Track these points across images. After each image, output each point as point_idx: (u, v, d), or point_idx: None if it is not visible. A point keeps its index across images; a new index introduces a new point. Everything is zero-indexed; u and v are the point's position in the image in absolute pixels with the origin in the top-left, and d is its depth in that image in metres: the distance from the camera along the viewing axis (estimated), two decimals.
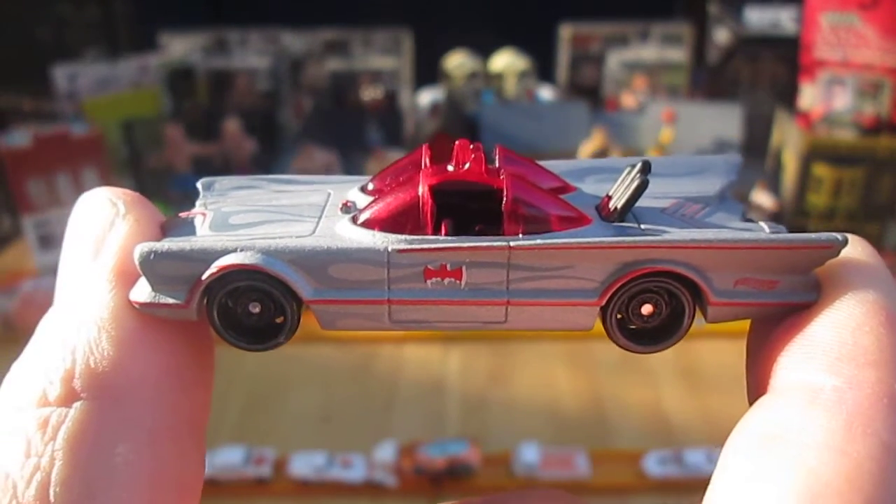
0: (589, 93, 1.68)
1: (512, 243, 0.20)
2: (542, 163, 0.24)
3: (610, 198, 0.22)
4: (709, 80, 1.68)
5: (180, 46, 1.66)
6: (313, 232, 0.21)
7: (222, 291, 0.21)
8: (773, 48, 1.58)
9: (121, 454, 0.18)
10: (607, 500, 0.79)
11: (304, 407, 0.94)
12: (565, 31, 1.70)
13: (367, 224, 0.21)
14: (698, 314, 0.21)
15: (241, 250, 0.20)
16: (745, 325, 0.85)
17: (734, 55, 1.62)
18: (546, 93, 1.69)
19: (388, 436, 0.86)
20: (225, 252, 0.20)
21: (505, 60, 1.65)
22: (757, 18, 1.59)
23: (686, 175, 0.24)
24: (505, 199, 0.20)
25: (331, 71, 1.67)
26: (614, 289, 0.20)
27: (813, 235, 0.19)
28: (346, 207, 0.23)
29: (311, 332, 0.93)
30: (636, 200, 0.21)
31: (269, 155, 1.49)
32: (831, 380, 0.15)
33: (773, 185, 1.32)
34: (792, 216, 1.28)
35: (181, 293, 0.20)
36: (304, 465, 0.81)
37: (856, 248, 0.18)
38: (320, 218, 0.22)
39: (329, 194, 0.24)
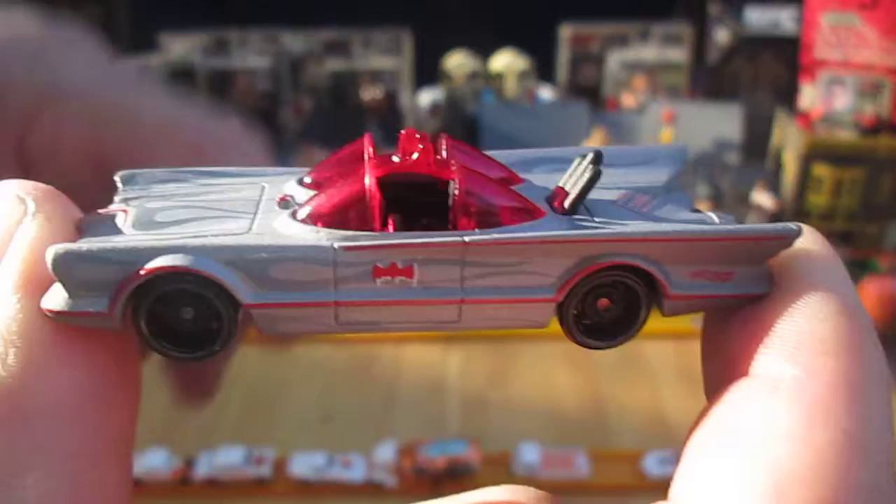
0: (589, 93, 1.68)
1: (467, 238, 0.19)
2: (489, 153, 0.24)
3: (562, 189, 0.21)
4: (709, 80, 1.68)
5: (180, 46, 1.66)
6: (250, 229, 0.20)
7: (151, 297, 0.19)
8: (773, 48, 1.58)
9: (32, 486, 0.16)
10: (607, 500, 0.79)
11: (304, 407, 0.94)
12: (565, 31, 1.70)
13: (310, 219, 0.19)
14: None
15: (172, 251, 0.18)
16: None
17: (734, 55, 1.62)
18: (546, 93, 1.69)
19: (388, 436, 0.86)
20: (153, 253, 0.18)
21: (505, 60, 1.65)
22: (757, 18, 1.59)
23: (634, 165, 0.23)
24: (457, 191, 0.19)
25: (331, 71, 1.67)
26: (572, 284, 0.19)
27: (769, 226, 0.19)
28: (284, 202, 0.21)
29: None
30: (589, 192, 0.20)
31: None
32: (790, 369, 0.15)
33: (773, 185, 1.32)
34: (792, 216, 1.28)
35: (102, 300, 0.18)
36: (304, 465, 0.81)
37: (808, 239, 0.18)
38: (256, 213, 0.21)
39: (263, 188, 0.22)
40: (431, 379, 0.97)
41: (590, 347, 0.20)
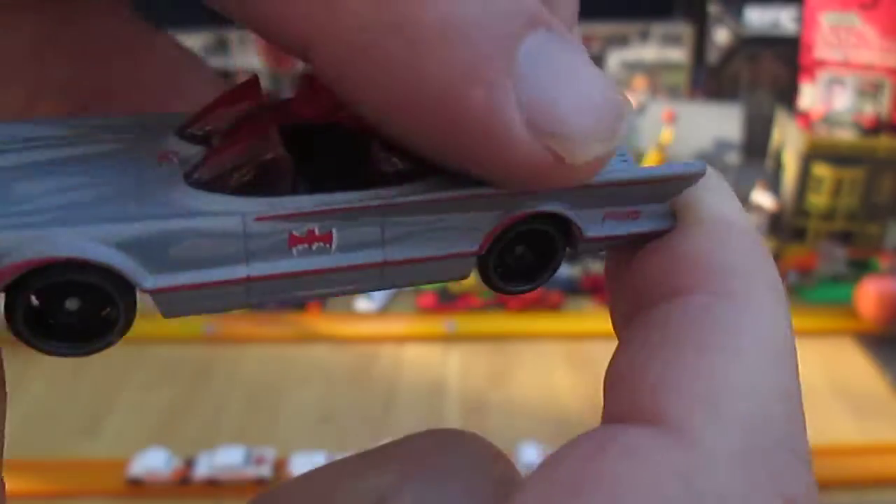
0: None
1: (398, 199, 0.17)
2: None
3: None
4: (709, 80, 1.68)
5: None
6: (138, 199, 0.16)
7: (27, 291, 0.15)
8: (773, 48, 1.58)
9: None
10: None
11: (304, 407, 0.94)
12: None
13: (210, 185, 0.16)
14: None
15: (49, 235, 0.15)
16: None
17: (734, 55, 1.62)
18: None
19: (388, 436, 0.85)
20: (22, 239, 0.14)
21: None
22: (757, 18, 1.59)
23: None
24: (374, 143, 0.17)
25: None
26: (494, 235, 0.18)
27: (678, 166, 0.18)
28: (166, 160, 0.17)
29: (312, 332, 0.94)
30: None
31: None
32: (701, 293, 0.15)
33: (774, 185, 1.32)
34: (792, 216, 1.28)
35: None
36: (305, 465, 0.81)
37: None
38: (138, 177, 0.17)
39: (136, 139, 0.18)
40: (431, 379, 0.97)
41: (510, 293, 0.19)
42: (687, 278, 0.15)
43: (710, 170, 0.18)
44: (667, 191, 0.18)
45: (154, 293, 0.16)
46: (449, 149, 0.14)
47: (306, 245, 0.16)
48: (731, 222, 0.16)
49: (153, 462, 0.81)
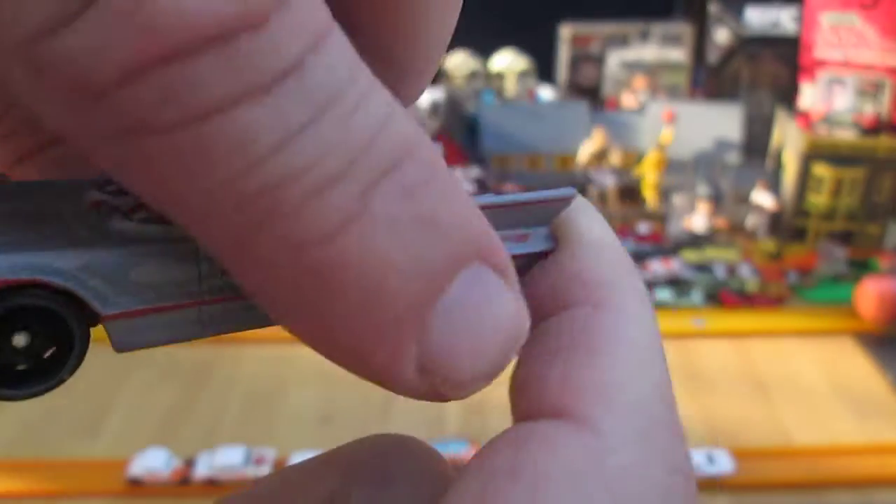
0: (589, 93, 1.68)
1: None
2: None
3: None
4: (709, 80, 1.68)
5: None
6: (89, 230, 0.15)
7: None
8: (773, 48, 1.58)
9: None
10: None
11: (304, 407, 0.94)
12: (565, 31, 1.70)
13: (157, 219, 0.15)
14: None
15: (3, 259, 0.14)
16: (744, 325, 0.85)
17: (734, 55, 1.62)
18: (546, 93, 1.69)
19: None
20: None
21: (505, 60, 1.65)
22: (757, 18, 1.59)
23: None
24: None
25: None
26: None
27: (551, 192, 0.20)
28: (99, 207, 0.16)
29: None
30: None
31: None
32: (583, 306, 0.17)
33: (774, 185, 1.32)
34: (792, 216, 1.28)
35: None
36: None
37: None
38: (80, 220, 0.16)
39: (54, 197, 0.17)
40: None
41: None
42: (570, 294, 0.18)
43: (578, 195, 0.20)
44: (546, 214, 0.20)
45: (110, 319, 0.15)
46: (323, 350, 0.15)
47: None
48: (603, 241, 0.19)
49: (153, 462, 0.81)
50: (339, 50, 0.11)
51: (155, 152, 0.11)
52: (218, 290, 0.16)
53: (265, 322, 0.17)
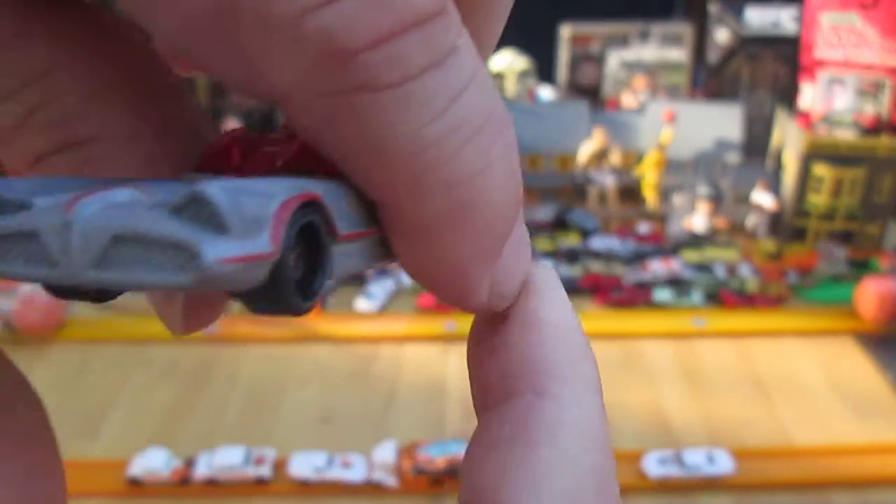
0: (589, 93, 1.68)
1: None
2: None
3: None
4: (709, 80, 1.68)
5: None
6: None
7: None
8: (773, 48, 1.58)
9: None
10: None
11: (304, 407, 0.94)
12: (565, 31, 1.70)
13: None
14: None
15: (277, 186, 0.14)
16: (744, 325, 0.85)
17: (734, 55, 1.62)
18: (546, 93, 1.69)
19: (388, 436, 0.86)
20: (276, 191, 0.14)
21: (505, 60, 1.65)
22: (757, 18, 1.59)
23: None
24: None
25: None
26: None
27: None
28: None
29: (312, 332, 0.94)
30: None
31: None
32: (527, 394, 0.18)
33: (774, 185, 1.32)
34: (792, 216, 1.28)
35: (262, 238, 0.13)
36: (304, 465, 0.81)
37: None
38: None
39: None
40: (431, 379, 0.97)
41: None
42: (516, 381, 0.18)
43: (541, 269, 0.19)
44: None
45: (342, 240, 0.16)
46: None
47: None
48: (555, 323, 0.19)
49: (153, 462, 0.81)
50: (468, 37, 0.14)
51: (368, 107, 0.13)
52: (373, 223, 0.17)
53: (389, 258, 0.18)
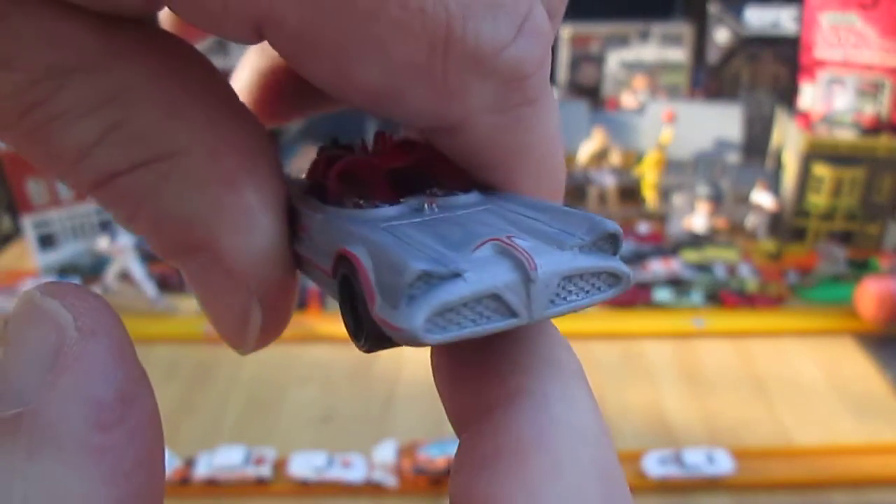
0: (589, 93, 1.68)
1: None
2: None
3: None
4: (709, 80, 1.68)
5: None
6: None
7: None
8: (773, 48, 1.58)
9: None
10: None
11: (304, 407, 0.94)
12: (565, 31, 1.70)
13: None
14: None
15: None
16: (744, 325, 0.85)
17: (734, 55, 1.62)
18: None
19: (388, 436, 0.86)
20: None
21: None
22: (757, 18, 1.59)
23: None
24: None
25: None
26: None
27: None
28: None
29: (312, 332, 0.94)
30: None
31: None
32: (504, 405, 0.17)
33: (774, 185, 1.32)
34: (792, 216, 1.28)
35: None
36: (304, 465, 0.81)
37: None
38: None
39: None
40: (431, 379, 0.97)
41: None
42: (492, 393, 0.17)
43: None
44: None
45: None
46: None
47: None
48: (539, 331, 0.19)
49: None
50: None
51: (529, 117, 0.18)
52: None
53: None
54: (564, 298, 0.17)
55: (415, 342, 0.15)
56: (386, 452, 0.82)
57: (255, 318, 0.19)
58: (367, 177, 0.20)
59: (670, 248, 1.25)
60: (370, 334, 0.16)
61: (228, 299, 0.19)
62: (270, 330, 0.20)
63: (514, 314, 0.16)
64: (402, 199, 0.19)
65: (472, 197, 0.19)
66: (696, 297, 1.14)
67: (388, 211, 0.18)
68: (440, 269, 0.15)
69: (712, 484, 0.79)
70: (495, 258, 0.16)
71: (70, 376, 0.14)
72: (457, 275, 0.15)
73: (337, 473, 0.80)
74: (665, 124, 1.39)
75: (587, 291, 0.17)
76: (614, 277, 0.17)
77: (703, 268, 1.20)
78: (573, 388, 0.17)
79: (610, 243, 0.17)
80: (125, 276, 1.13)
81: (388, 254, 0.15)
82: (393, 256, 0.15)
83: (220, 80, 0.19)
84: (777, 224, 1.30)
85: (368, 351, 0.17)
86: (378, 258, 0.16)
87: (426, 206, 0.18)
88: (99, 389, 0.14)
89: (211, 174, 0.17)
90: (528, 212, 0.18)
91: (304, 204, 0.19)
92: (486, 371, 0.17)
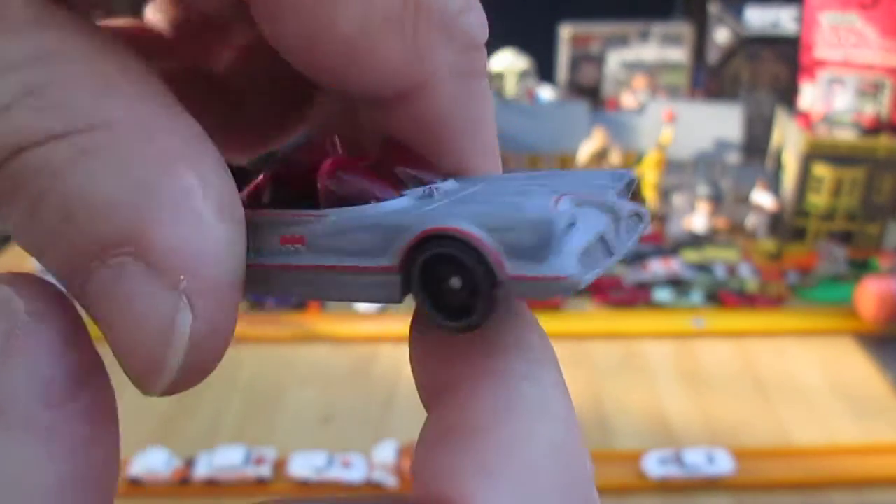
0: (589, 93, 1.68)
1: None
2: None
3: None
4: (709, 80, 1.68)
5: None
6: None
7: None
8: (773, 48, 1.58)
9: None
10: (607, 501, 0.79)
11: (304, 407, 0.94)
12: (565, 31, 1.70)
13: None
14: None
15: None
16: (744, 325, 0.85)
17: (734, 55, 1.62)
18: (546, 93, 1.69)
19: (388, 436, 0.86)
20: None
21: (505, 60, 1.65)
22: (757, 18, 1.59)
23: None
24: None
25: None
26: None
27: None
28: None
29: (312, 332, 0.94)
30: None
31: None
32: (469, 379, 0.17)
33: (774, 185, 1.32)
34: (792, 216, 1.28)
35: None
36: (304, 465, 0.81)
37: None
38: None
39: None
40: None
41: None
42: (457, 367, 0.17)
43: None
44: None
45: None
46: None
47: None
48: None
49: (153, 462, 0.81)
50: None
51: (481, 90, 0.20)
52: None
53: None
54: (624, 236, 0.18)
55: (576, 286, 0.16)
56: (386, 452, 0.82)
57: (182, 333, 0.15)
58: (353, 174, 0.19)
59: (670, 248, 1.25)
60: (486, 303, 0.17)
61: (148, 306, 0.15)
62: (199, 357, 0.16)
63: (610, 253, 0.17)
64: (404, 192, 0.19)
65: (458, 183, 0.20)
66: (696, 297, 1.14)
67: (405, 201, 0.18)
68: (569, 219, 0.16)
69: (712, 484, 0.79)
70: (581, 208, 0.17)
71: (19, 356, 0.14)
72: (573, 224, 0.16)
73: (337, 473, 0.80)
74: (665, 124, 1.39)
75: (629, 231, 0.18)
76: (639, 216, 0.19)
77: (703, 268, 1.20)
78: (539, 370, 0.17)
79: (629, 188, 0.20)
80: None
81: (506, 217, 0.16)
82: (518, 217, 0.16)
83: (156, 76, 0.17)
84: (777, 224, 1.30)
85: (477, 325, 0.17)
86: (491, 224, 0.16)
87: (434, 191, 0.19)
88: (47, 369, 0.15)
89: (143, 153, 0.15)
90: (539, 178, 0.20)
91: (284, 215, 0.18)
92: (457, 350, 0.18)
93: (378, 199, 0.18)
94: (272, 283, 0.19)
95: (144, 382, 0.16)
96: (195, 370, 0.16)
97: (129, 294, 0.15)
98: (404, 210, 0.18)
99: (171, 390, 0.16)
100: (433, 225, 0.17)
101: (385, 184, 0.19)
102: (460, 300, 0.17)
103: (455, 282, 0.17)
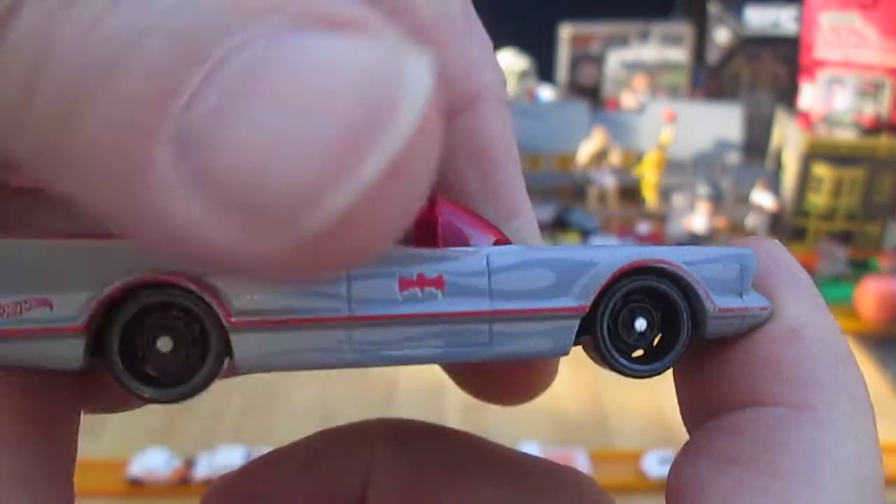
0: (589, 93, 1.68)
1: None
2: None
3: None
4: (709, 80, 1.68)
5: None
6: None
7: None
8: (773, 48, 1.58)
9: None
10: None
11: (304, 407, 0.94)
12: (565, 31, 1.70)
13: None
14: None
15: None
16: None
17: (734, 55, 1.62)
18: (546, 93, 1.69)
19: None
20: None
21: (505, 60, 1.65)
22: (757, 18, 1.59)
23: None
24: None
25: None
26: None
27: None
28: None
29: None
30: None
31: None
32: (777, 406, 0.15)
33: (774, 185, 1.32)
34: (792, 216, 1.28)
35: None
36: None
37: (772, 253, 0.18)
38: None
39: None
40: (431, 378, 0.97)
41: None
42: (763, 387, 0.15)
43: (788, 264, 0.18)
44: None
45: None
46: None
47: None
48: (813, 324, 0.16)
49: (153, 462, 0.81)
50: None
51: None
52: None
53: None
54: None
55: (770, 313, 0.16)
56: None
57: (419, 89, 0.11)
58: (455, 213, 0.18)
59: None
60: (684, 342, 0.17)
61: (357, 59, 0.11)
62: (404, 167, 0.11)
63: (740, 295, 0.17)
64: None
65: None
66: None
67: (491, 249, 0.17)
68: None
69: None
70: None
71: None
72: None
73: None
74: (665, 124, 1.39)
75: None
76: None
77: None
78: (860, 423, 0.15)
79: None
80: None
81: (702, 251, 0.17)
82: (715, 259, 0.16)
83: None
84: (777, 224, 1.30)
85: (665, 369, 0.17)
86: (688, 258, 0.16)
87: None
88: None
89: None
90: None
91: (402, 261, 0.16)
92: (758, 364, 0.16)
93: (476, 242, 0.17)
94: (385, 339, 0.16)
95: (293, 212, 0.10)
96: (377, 210, 0.10)
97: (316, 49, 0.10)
98: (561, 249, 0.17)
99: (309, 257, 0.11)
100: (640, 258, 0.16)
101: (478, 227, 0.18)
102: (645, 342, 0.17)
103: (640, 323, 0.17)
